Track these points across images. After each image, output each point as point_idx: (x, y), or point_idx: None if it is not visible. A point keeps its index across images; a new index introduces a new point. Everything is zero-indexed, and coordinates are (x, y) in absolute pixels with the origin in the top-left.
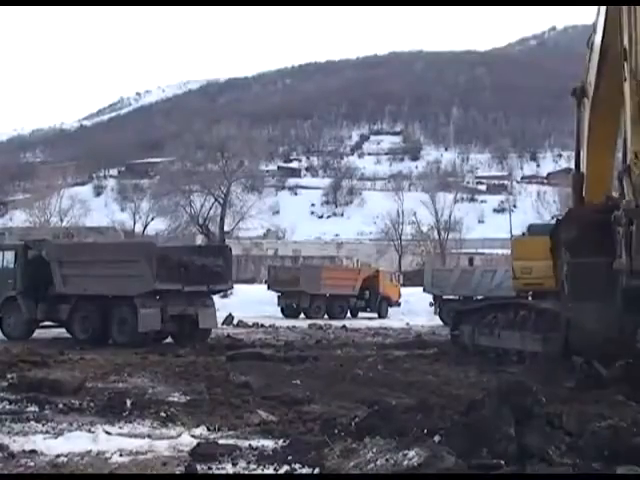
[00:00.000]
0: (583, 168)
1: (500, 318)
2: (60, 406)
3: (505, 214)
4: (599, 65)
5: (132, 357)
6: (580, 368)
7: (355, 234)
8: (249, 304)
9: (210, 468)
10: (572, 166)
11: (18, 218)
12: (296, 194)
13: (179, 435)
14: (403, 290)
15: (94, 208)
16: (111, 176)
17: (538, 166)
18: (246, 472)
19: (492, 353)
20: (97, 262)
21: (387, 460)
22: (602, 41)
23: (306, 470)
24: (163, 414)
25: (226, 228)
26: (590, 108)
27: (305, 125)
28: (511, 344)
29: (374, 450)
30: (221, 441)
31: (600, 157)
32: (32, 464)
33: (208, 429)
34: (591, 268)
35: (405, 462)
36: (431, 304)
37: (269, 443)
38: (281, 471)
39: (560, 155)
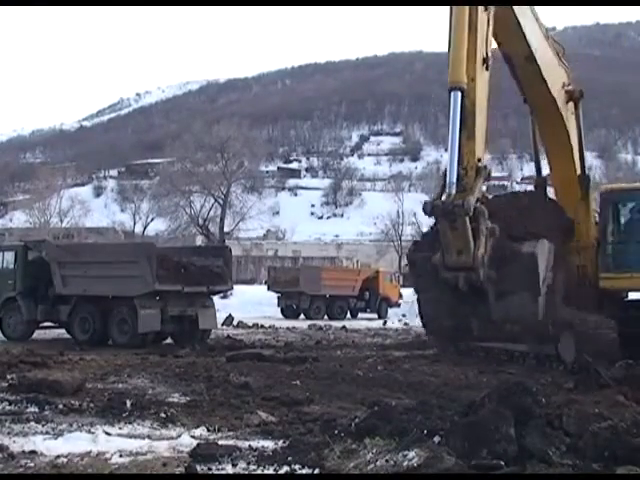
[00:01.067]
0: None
1: None
2: (60, 407)
3: None
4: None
5: (132, 358)
6: (574, 368)
7: (355, 235)
8: (249, 305)
9: (210, 469)
10: None
11: (18, 219)
12: (296, 195)
13: (179, 436)
14: (403, 291)
15: (94, 209)
16: (111, 177)
17: None
18: (246, 473)
19: (480, 352)
20: (97, 263)
21: (387, 461)
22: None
23: (306, 471)
24: (163, 415)
25: (226, 229)
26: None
27: (305, 126)
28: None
29: (374, 451)
30: (221, 442)
31: (557, 161)
32: (32, 465)
33: (208, 430)
34: (423, 262)
35: (405, 463)
36: None
37: (269, 444)
38: (281, 472)
39: None
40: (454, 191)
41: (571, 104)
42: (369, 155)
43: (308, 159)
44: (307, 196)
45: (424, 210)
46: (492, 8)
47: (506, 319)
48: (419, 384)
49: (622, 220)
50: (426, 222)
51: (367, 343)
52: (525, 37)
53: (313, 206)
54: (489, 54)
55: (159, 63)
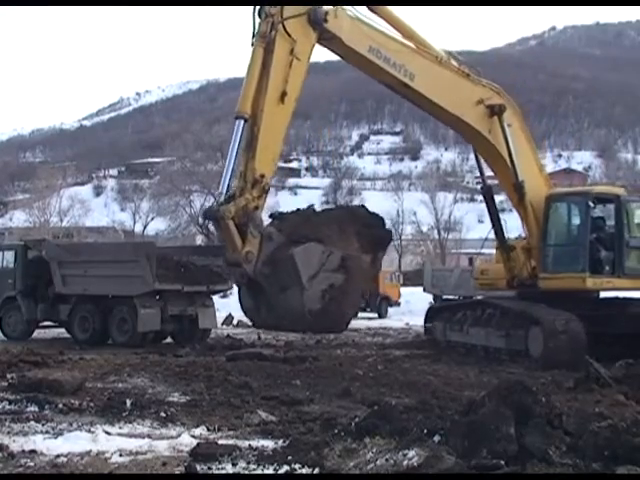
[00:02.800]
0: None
1: (469, 316)
2: (60, 406)
3: (505, 214)
4: None
5: (132, 357)
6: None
7: None
8: None
9: (210, 468)
10: (572, 166)
11: (18, 218)
12: (296, 194)
13: (179, 435)
14: (403, 290)
15: (94, 208)
16: (111, 176)
17: None
18: (246, 472)
19: (461, 348)
20: (97, 262)
21: (387, 460)
22: None
23: (306, 470)
24: (163, 414)
25: None
26: None
27: (305, 125)
28: (477, 340)
29: (374, 450)
30: (221, 441)
31: (496, 170)
32: (32, 464)
33: (208, 429)
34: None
35: (405, 462)
36: (431, 304)
37: (269, 443)
38: (281, 471)
39: (560, 155)
40: (222, 199)
41: (495, 118)
42: (369, 154)
43: (308, 158)
44: (307, 195)
45: (202, 214)
46: (305, 51)
47: (283, 310)
48: (419, 383)
49: (557, 223)
50: (425, 221)
51: (367, 342)
52: (381, 67)
53: (313, 205)
54: (290, 91)
55: (159, 63)
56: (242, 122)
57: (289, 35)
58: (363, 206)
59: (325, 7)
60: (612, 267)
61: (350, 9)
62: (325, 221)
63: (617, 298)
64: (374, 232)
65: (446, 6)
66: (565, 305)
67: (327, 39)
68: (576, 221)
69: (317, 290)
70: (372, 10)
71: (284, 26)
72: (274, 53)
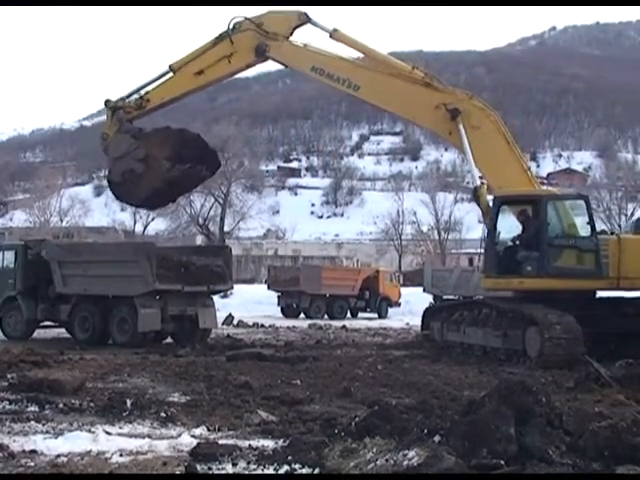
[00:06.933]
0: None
1: (466, 316)
2: (60, 406)
3: None
4: None
5: (132, 357)
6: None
7: (355, 234)
8: (249, 304)
9: (210, 468)
10: (572, 166)
11: (18, 218)
12: (296, 194)
13: (179, 435)
14: (403, 290)
15: (94, 208)
16: None
17: (538, 166)
18: (246, 472)
19: (458, 348)
20: (97, 262)
21: (387, 460)
22: None
23: (306, 470)
24: (163, 414)
25: (226, 228)
26: None
27: (305, 125)
28: (475, 340)
29: (374, 450)
30: (221, 441)
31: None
32: (32, 464)
33: (208, 429)
34: None
35: (405, 462)
36: (431, 304)
37: (269, 443)
38: (281, 471)
39: (560, 155)
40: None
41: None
42: (369, 154)
43: (308, 158)
44: (307, 195)
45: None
46: (237, 63)
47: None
48: (419, 383)
49: (488, 226)
50: (426, 221)
51: (367, 342)
52: (325, 82)
53: (313, 205)
54: (207, 74)
55: (159, 62)
56: (168, 69)
57: (232, 43)
58: (198, 135)
59: (269, 41)
60: (537, 267)
61: (298, 40)
62: (159, 133)
63: (614, 298)
64: (187, 152)
65: (447, 6)
66: (562, 305)
67: (274, 59)
68: (490, 223)
69: (120, 168)
70: (334, 39)
71: (230, 37)
72: (216, 46)
